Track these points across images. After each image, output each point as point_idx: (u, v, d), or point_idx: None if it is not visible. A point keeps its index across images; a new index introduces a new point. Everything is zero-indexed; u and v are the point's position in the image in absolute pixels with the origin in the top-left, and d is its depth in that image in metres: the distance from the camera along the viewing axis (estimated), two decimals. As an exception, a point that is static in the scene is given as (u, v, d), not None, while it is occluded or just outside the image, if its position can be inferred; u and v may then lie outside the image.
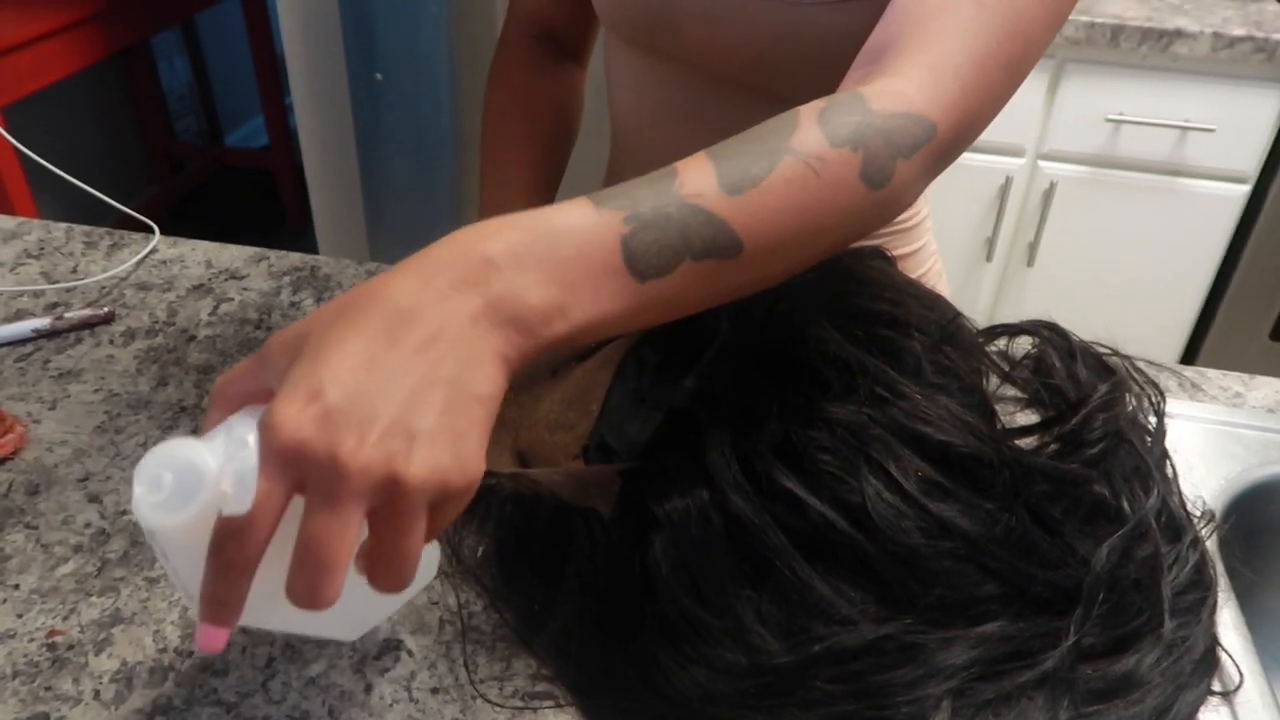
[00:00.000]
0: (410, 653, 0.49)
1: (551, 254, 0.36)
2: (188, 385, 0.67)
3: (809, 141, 0.42)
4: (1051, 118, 1.61)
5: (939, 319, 0.60)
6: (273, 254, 0.84)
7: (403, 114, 1.80)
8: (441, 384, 0.33)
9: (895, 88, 0.46)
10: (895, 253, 0.76)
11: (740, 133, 0.43)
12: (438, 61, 1.74)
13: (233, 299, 0.77)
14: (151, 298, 0.77)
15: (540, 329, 0.36)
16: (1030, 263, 1.71)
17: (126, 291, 0.78)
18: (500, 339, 0.35)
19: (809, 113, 0.44)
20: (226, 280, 0.79)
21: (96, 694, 0.47)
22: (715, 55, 0.69)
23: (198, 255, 0.83)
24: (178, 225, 0.88)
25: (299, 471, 0.31)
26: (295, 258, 0.84)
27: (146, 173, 2.80)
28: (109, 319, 0.73)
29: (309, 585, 0.32)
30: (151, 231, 0.84)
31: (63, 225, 0.87)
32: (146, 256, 0.82)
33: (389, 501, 0.32)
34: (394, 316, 0.33)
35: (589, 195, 0.38)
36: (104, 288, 0.78)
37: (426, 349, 0.33)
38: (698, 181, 0.40)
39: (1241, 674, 0.47)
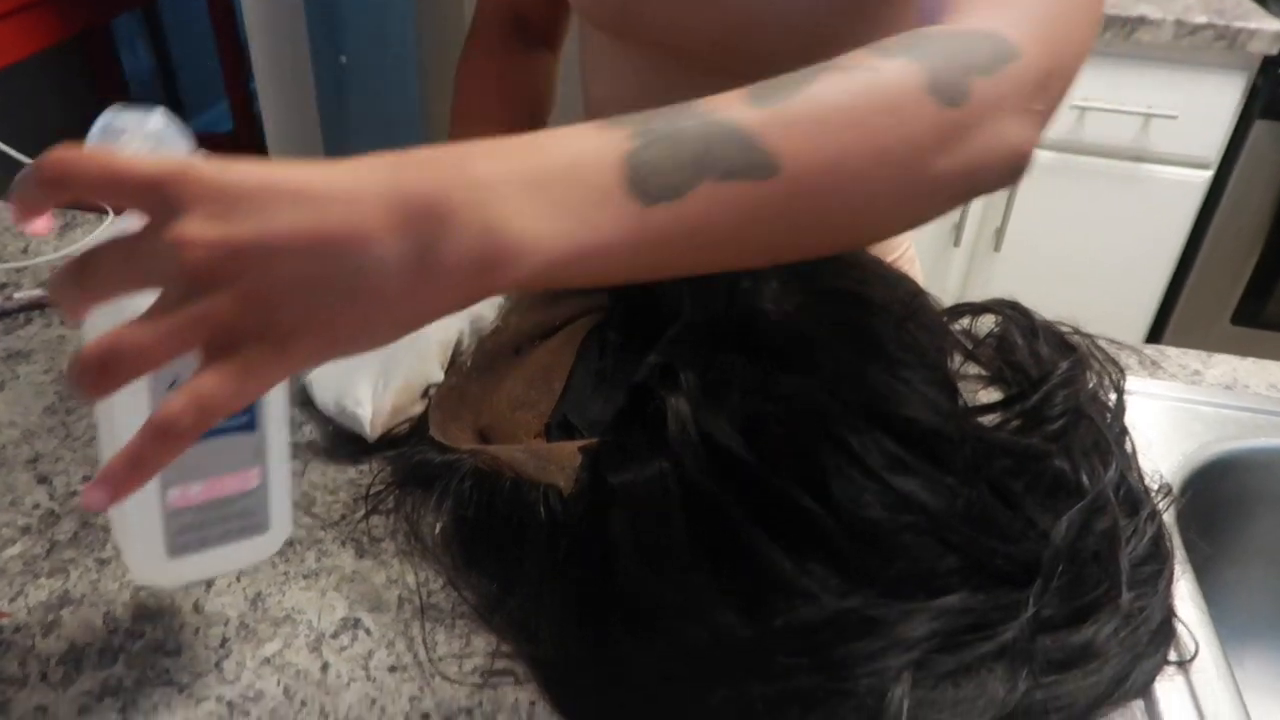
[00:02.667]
0: (368, 631, 0.48)
1: (540, 175, 0.30)
2: (142, 366, 0.66)
3: (859, 58, 0.35)
4: (1018, 104, 1.62)
5: (902, 296, 0.60)
6: (231, 234, 0.82)
7: (368, 97, 1.78)
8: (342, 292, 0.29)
9: (962, 23, 0.39)
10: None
11: None
12: (404, 44, 1.72)
13: (189, 279, 0.76)
14: (105, 278, 0.75)
15: (512, 264, 0.29)
16: (997, 248, 1.72)
17: (79, 271, 0.76)
18: (445, 291, 0.29)
19: (863, 47, 0.37)
20: (183, 260, 0.78)
21: (44, 676, 0.46)
22: (683, 37, 0.69)
23: (154, 235, 0.81)
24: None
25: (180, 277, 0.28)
26: (254, 238, 0.82)
27: (107, 158, 2.74)
28: (61, 299, 0.71)
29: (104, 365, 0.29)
30: (105, 212, 0.82)
31: (13, 204, 0.85)
32: (99, 236, 0.80)
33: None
34: (344, 238, 0.28)
35: (596, 120, 0.33)
36: (55, 267, 0.77)
37: (352, 279, 0.29)
38: (725, 100, 0.33)
39: (1197, 644, 0.48)
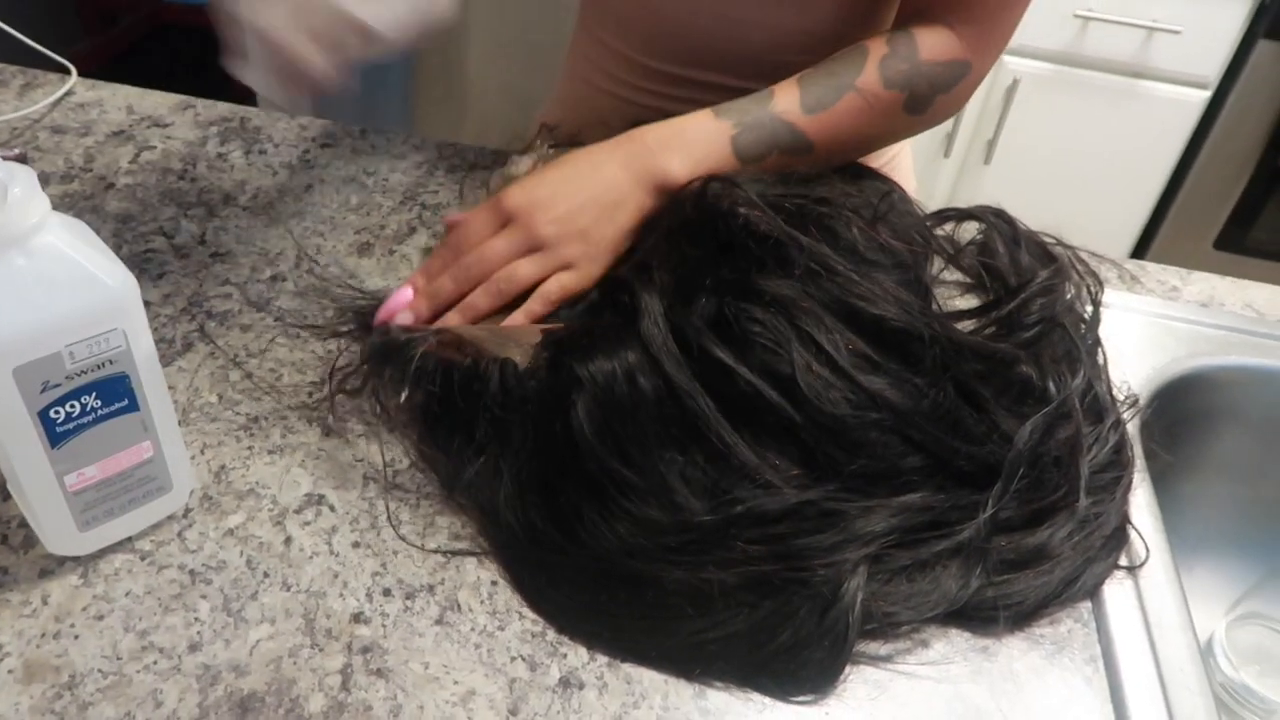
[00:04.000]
0: (332, 507, 0.48)
1: (686, 144, 0.56)
2: (105, 234, 0.64)
3: (869, 84, 0.58)
4: (1020, 11, 1.57)
5: (870, 199, 0.59)
6: (200, 103, 0.79)
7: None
8: (603, 207, 0.54)
9: (945, 42, 0.59)
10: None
11: (818, 63, 0.60)
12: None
13: (155, 147, 0.73)
14: (67, 142, 0.72)
15: (671, 182, 0.55)
16: (987, 160, 1.70)
17: (40, 134, 0.73)
18: (645, 194, 0.55)
19: (873, 58, 0.58)
20: (149, 128, 0.75)
21: (4, 539, 0.46)
22: (723, 62, 0.68)
23: (118, 100, 0.78)
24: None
25: (506, 217, 0.54)
26: (224, 108, 0.79)
27: (76, 27, 2.63)
28: (21, 161, 0.69)
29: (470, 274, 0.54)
30: (68, 73, 0.79)
31: (-31, 61, 0.81)
32: (62, 99, 0.77)
33: (536, 249, 0.54)
34: (588, 167, 0.55)
35: (709, 109, 0.57)
36: (15, 129, 0.74)
37: (603, 189, 0.55)
38: (787, 102, 0.57)
39: (1148, 551, 0.49)
